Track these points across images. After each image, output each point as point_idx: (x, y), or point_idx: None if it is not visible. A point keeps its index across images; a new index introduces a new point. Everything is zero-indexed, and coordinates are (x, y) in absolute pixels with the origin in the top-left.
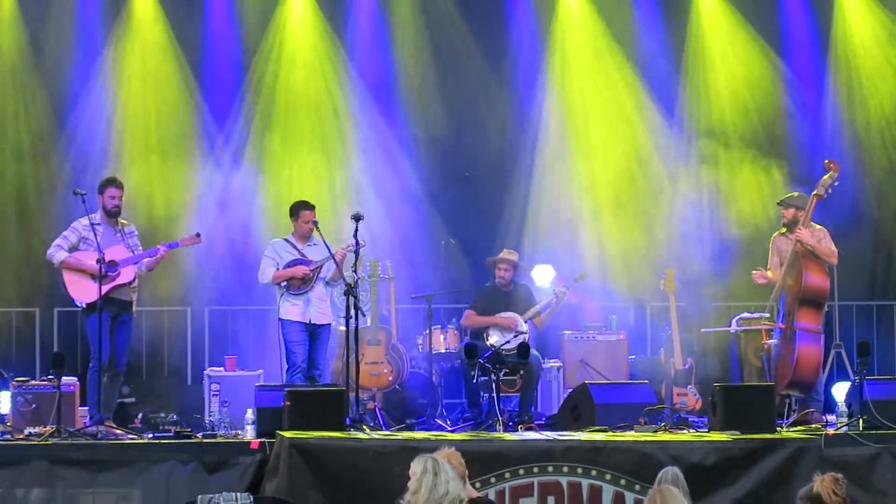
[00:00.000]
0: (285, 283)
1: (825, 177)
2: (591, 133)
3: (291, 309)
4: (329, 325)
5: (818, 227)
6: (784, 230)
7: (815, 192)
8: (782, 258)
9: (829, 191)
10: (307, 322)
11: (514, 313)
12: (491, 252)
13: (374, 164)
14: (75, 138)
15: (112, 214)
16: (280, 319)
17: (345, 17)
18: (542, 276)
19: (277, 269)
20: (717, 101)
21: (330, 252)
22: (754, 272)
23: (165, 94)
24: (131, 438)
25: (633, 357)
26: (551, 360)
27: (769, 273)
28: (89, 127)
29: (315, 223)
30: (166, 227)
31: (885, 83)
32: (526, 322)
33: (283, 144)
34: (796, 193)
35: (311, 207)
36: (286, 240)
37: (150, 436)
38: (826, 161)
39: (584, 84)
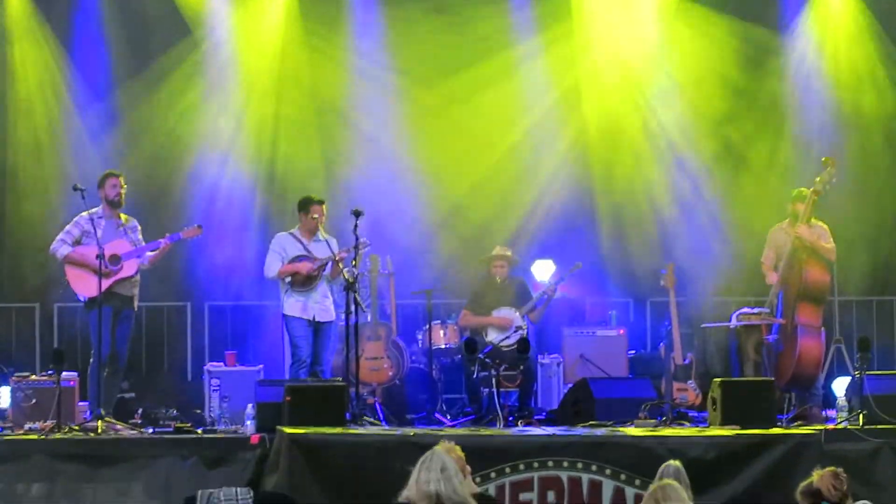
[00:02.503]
0: (289, 279)
1: (823, 173)
2: (591, 126)
3: (295, 305)
4: (332, 321)
5: (819, 223)
6: (785, 223)
7: (813, 189)
8: (778, 252)
9: (828, 187)
10: (310, 319)
11: (511, 309)
12: (486, 248)
13: (374, 157)
14: (79, 133)
15: (115, 205)
16: (284, 315)
17: (345, 19)
18: (543, 271)
19: (283, 263)
20: (707, 97)
21: (332, 251)
22: (771, 273)
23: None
24: (131, 433)
25: (632, 352)
26: (551, 355)
27: (764, 269)
28: (92, 123)
29: (316, 219)
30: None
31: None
32: (523, 318)
33: (287, 140)
34: (804, 189)
35: (319, 202)
36: (292, 234)
37: (151, 431)
38: (824, 158)
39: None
